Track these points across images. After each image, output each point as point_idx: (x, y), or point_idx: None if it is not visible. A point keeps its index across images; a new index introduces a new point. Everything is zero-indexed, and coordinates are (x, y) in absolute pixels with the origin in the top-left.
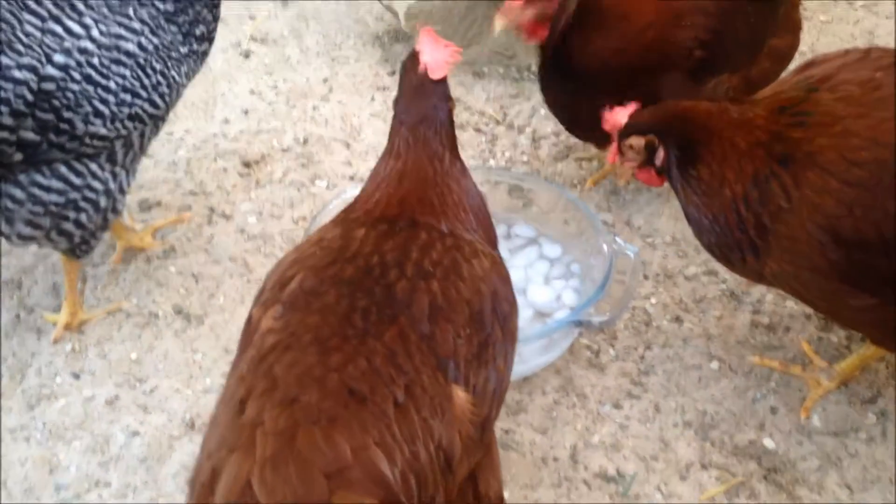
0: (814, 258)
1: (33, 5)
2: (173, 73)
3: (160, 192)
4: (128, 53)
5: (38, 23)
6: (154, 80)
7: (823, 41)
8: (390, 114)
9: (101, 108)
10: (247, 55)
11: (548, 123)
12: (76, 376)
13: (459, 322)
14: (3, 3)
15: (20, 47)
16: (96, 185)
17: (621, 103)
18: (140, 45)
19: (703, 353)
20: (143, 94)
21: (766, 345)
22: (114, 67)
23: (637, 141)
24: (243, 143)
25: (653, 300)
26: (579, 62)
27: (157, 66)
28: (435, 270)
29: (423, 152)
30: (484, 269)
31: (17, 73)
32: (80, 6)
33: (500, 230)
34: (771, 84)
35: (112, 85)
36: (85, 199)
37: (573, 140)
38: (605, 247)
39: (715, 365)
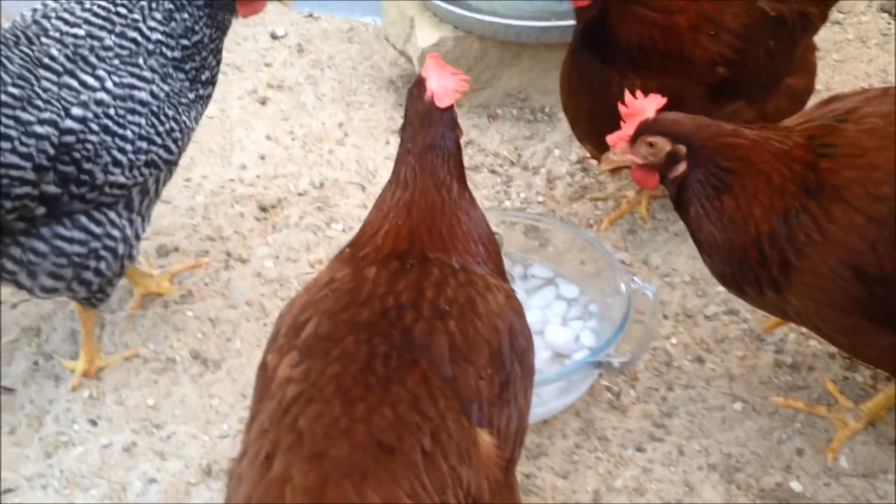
0: (836, 294)
1: (47, 61)
2: (184, 118)
3: (178, 238)
4: (141, 102)
5: (54, 77)
6: (167, 127)
7: (838, 79)
8: None
9: (120, 157)
10: (263, 102)
11: (563, 164)
12: (93, 423)
13: (480, 363)
14: (18, 60)
15: (39, 103)
16: (115, 232)
17: (647, 89)
18: (152, 93)
19: (726, 394)
20: (158, 140)
21: (790, 385)
22: (129, 116)
23: (664, 143)
24: (260, 187)
25: (673, 340)
26: (617, 30)
27: (170, 113)
28: (451, 309)
29: (431, 181)
30: (499, 304)
31: (38, 129)
32: (93, 59)
33: (516, 271)
34: (795, 116)
35: (129, 134)
36: (105, 247)
37: (588, 180)
38: (623, 286)
39: (738, 406)
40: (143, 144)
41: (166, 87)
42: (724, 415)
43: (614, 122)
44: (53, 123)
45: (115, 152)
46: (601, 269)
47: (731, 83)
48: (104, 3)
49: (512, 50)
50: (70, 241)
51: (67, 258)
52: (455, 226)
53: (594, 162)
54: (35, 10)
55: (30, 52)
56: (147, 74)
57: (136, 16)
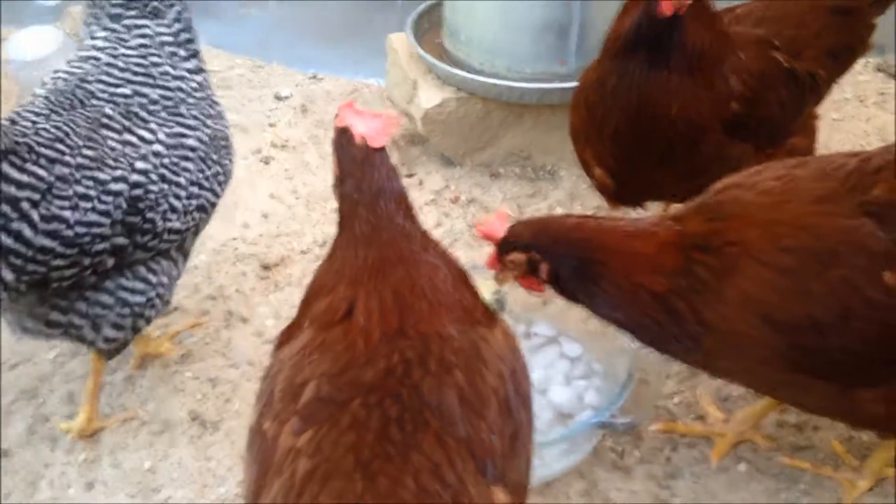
0: (759, 350)
1: (107, 121)
2: (225, 160)
3: (179, 297)
4: (191, 149)
5: (116, 136)
6: (214, 171)
7: (836, 138)
8: None
9: (176, 203)
10: (267, 161)
11: None
12: (89, 487)
13: (491, 417)
14: (83, 122)
15: (111, 161)
16: (165, 280)
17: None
18: (199, 139)
19: (731, 455)
20: (206, 184)
21: (794, 445)
22: (181, 164)
23: (518, 256)
24: (262, 246)
25: (676, 399)
26: (688, 34)
27: (214, 157)
28: (457, 360)
29: (394, 233)
30: (499, 346)
31: (114, 186)
32: (144, 114)
33: (518, 329)
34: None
35: (182, 181)
36: (158, 295)
37: None
38: (626, 344)
39: (743, 467)
40: (195, 189)
41: (209, 132)
42: (729, 476)
43: (656, 126)
44: (125, 179)
45: (171, 199)
46: (604, 327)
47: (742, 122)
48: (137, 59)
49: (514, 110)
50: (133, 291)
51: (130, 308)
52: (434, 278)
53: None
54: (60, 74)
55: (88, 115)
56: (192, 122)
57: (169, 66)
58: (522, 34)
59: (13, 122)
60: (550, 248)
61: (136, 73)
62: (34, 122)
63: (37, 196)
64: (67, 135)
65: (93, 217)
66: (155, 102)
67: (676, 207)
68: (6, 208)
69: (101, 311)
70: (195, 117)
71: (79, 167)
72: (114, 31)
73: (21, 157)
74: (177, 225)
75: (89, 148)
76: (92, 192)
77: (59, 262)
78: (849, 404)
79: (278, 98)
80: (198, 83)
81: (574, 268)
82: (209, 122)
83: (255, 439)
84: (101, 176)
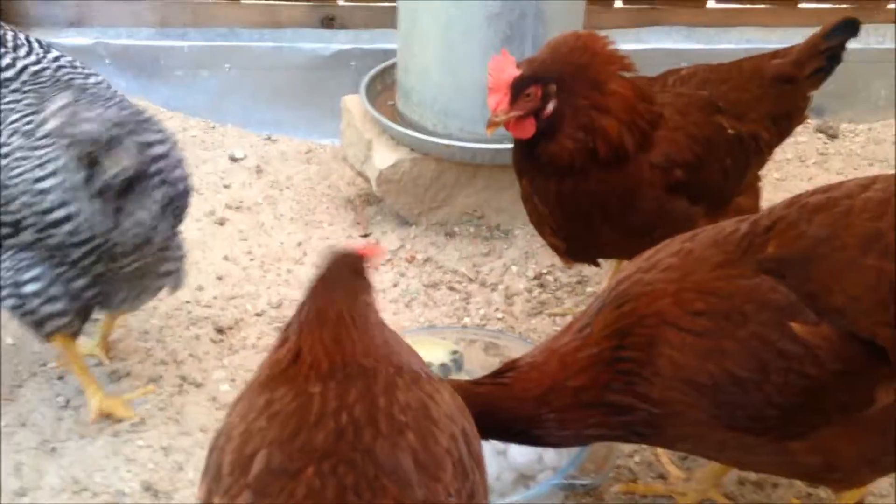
0: (690, 414)
1: None
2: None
3: (131, 363)
4: None
5: None
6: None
7: (779, 197)
8: None
9: None
10: (221, 223)
11: (520, 280)
12: None
13: (447, 479)
14: None
15: None
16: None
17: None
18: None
19: None
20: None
21: (754, 503)
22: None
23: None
24: (217, 308)
25: (637, 458)
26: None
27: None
28: (407, 419)
29: (335, 293)
30: (447, 404)
31: None
32: None
33: None
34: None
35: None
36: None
37: (546, 296)
38: None
39: None
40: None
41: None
42: None
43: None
44: None
45: None
46: None
47: (686, 188)
48: None
49: (468, 170)
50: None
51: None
52: (371, 326)
53: (551, 278)
54: None
55: None
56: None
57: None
58: (473, 96)
59: None
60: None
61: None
62: None
63: None
64: None
65: None
66: None
67: (626, 264)
68: None
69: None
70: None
71: None
72: None
73: None
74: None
75: None
76: None
77: None
78: (784, 458)
79: (233, 159)
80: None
81: (501, 430)
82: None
83: None
84: None
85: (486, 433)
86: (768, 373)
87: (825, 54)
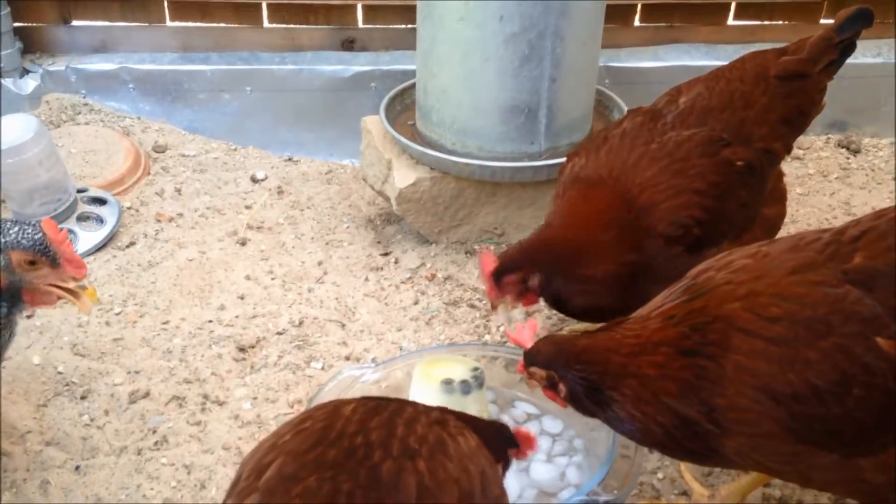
0: (762, 423)
1: None
2: None
3: (153, 382)
4: None
5: None
6: None
7: (802, 212)
8: (384, 293)
9: None
10: (243, 243)
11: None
12: None
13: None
14: None
15: None
16: None
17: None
18: None
19: None
20: None
21: None
22: None
23: (540, 372)
24: (238, 328)
25: (660, 475)
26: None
27: None
28: (420, 448)
29: None
30: (470, 448)
31: None
32: None
33: (495, 410)
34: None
35: None
36: None
37: None
38: None
39: None
40: None
41: None
42: None
43: None
44: None
45: None
46: None
47: (706, 239)
48: None
49: (487, 188)
50: None
51: None
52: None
53: None
54: None
55: None
56: None
57: None
58: (492, 116)
59: None
60: (564, 372)
61: None
62: None
63: None
64: None
65: None
66: None
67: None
68: None
69: None
70: None
71: None
72: None
73: None
74: None
75: None
76: None
77: None
78: (850, 474)
79: (254, 180)
80: None
81: (586, 389)
82: None
83: None
84: None
85: (573, 384)
86: (851, 386)
87: (839, 47)
